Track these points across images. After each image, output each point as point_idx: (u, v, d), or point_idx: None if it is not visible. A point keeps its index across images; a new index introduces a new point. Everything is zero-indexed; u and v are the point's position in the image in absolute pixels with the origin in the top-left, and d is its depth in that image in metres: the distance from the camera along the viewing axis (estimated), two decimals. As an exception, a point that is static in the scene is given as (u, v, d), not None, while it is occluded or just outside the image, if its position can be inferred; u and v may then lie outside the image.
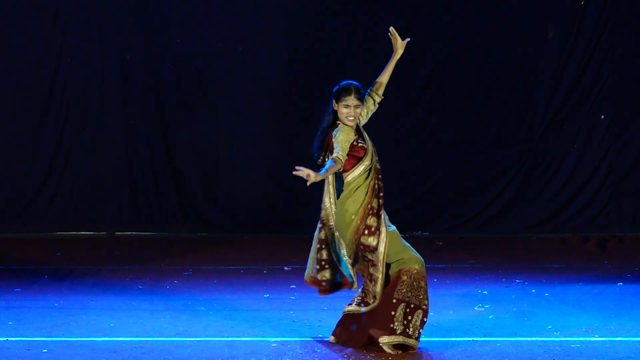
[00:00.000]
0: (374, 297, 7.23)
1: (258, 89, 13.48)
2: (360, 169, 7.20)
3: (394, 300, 7.21)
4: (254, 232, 13.37)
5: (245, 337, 7.81)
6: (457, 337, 7.77)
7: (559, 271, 10.84)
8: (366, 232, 7.21)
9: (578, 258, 11.85)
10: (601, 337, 7.75)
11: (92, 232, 13.51)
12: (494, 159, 13.52)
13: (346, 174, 7.23)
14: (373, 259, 7.22)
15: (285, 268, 11.08)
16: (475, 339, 7.71)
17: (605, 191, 13.50)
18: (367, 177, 7.23)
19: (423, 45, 13.49)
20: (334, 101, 7.34)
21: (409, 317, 7.23)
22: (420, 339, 7.54)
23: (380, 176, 7.25)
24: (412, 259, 7.24)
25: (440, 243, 12.82)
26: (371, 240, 7.20)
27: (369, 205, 7.19)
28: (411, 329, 7.22)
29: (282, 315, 8.60)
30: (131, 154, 13.56)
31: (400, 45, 7.53)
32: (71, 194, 13.54)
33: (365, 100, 7.45)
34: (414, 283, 7.24)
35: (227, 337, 7.83)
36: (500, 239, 13.08)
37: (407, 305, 7.22)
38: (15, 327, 8.19)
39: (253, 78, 13.50)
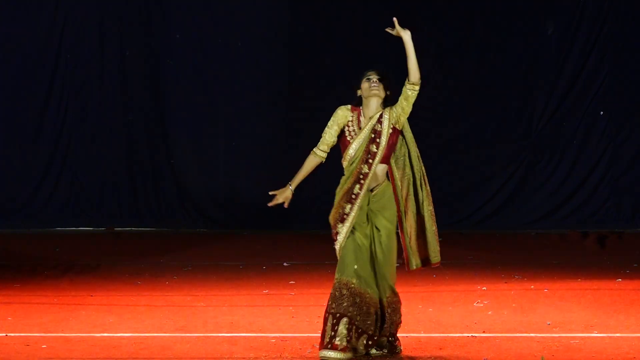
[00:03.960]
0: None
1: (258, 84, 13.48)
2: (346, 158, 7.11)
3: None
4: (253, 228, 13.37)
5: (245, 332, 7.81)
6: (456, 333, 7.77)
7: (558, 267, 10.85)
8: (340, 219, 7.08)
9: (577, 254, 11.86)
10: (600, 333, 7.75)
11: (91, 228, 13.52)
12: (493, 155, 13.54)
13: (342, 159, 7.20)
14: (335, 246, 7.13)
15: (285, 264, 11.08)
16: (474, 334, 7.71)
17: (604, 188, 13.51)
18: (351, 164, 7.12)
19: (423, 41, 13.48)
20: (358, 90, 7.26)
21: (336, 328, 6.98)
22: (419, 334, 7.58)
23: (370, 161, 7.08)
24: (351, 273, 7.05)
25: (440, 239, 12.79)
26: (339, 227, 7.08)
27: (349, 192, 7.09)
28: (337, 339, 6.95)
29: (281, 311, 8.60)
30: (130, 149, 13.57)
31: (398, 31, 7.71)
32: (70, 190, 13.55)
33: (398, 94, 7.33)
34: (335, 293, 7.02)
35: (227, 332, 7.83)
36: (500, 235, 13.08)
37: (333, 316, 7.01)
38: (15, 322, 8.19)
39: (253, 73, 13.50)
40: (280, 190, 7.19)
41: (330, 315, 6.94)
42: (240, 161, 13.56)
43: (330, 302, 6.95)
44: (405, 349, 7.28)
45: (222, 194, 13.59)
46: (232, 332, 7.83)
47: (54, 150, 13.51)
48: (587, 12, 13.37)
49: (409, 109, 7.25)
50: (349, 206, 7.10)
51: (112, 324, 8.15)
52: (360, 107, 7.22)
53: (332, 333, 6.89)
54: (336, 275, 7.03)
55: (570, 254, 11.90)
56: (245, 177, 13.52)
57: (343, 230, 7.09)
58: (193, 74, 13.55)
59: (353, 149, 7.11)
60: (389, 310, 7.08)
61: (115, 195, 13.57)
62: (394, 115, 7.20)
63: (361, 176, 7.10)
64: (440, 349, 7.30)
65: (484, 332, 7.80)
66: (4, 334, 7.75)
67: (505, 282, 9.94)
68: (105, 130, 13.54)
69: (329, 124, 7.17)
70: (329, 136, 7.18)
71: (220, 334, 7.77)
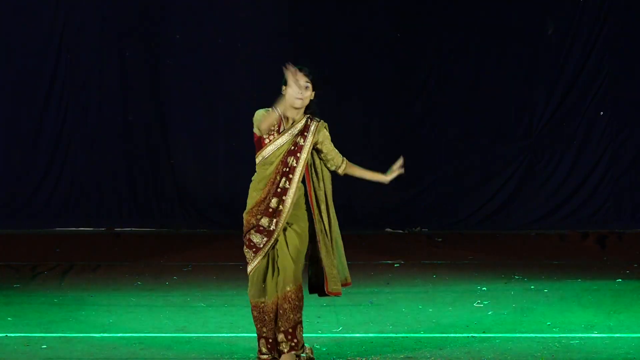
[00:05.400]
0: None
1: (257, 85, 13.46)
2: (259, 157, 6.75)
3: (290, 329, 6.79)
4: (253, 228, 13.35)
5: (245, 333, 7.80)
6: (456, 333, 7.77)
7: (558, 267, 10.84)
8: (257, 229, 6.84)
9: (577, 254, 11.85)
10: (600, 333, 7.75)
11: (91, 228, 13.50)
12: (493, 156, 13.53)
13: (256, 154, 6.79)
14: (247, 256, 6.90)
15: (285, 264, 11.07)
16: (474, 335, 7.71)
17: (604, 188, 13.50)
18: (265, 168, 6.75)
19: (423, 41, 13.49)
20: (283, 87, 6.80)
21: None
22: (419, 334, 7.61)
23: (291, 176, 6.71)
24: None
25: (440, 239, 12.82)
26: (256, 238, 6.85)
27: (264, 203, 6.78)
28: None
29: (281, 311, 8.58)
30: (130, 150, 13.56)
31: (393, 175, 7.00)
32: (70, 190, 13.54)
33: (324, 132, 6.84)
34: (253, 312, 6.81)
35: (227, 333, 7.83)
36: (500, 236, 13.08)
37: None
38: (15, 322, 8.19)
39: (253, 74, 13.49)
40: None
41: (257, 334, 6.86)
42: (240, 161, 13.54)
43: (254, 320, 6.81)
44: (405, 349, 7.28)
45: (222, 195, 13.58)
46: (232, 332, 7.84)
47: (54, 150, 13.50)
48: (587, 12, 13.37)
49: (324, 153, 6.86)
50: (266, 220, 6.78)
51: (112, 324, 8.15)
52: (280, 110, 6.71)
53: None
54: (249, 296, 6.80)
55: (570, 254, 11.89)
56: (245, 177, 13.45)
57: (264, 249, 6.80)
58: (193, 74, 13.54)
59: (268, 152, 6.72)
60: (284, 306, 6.74)
61: (115, 195, 13.56)
62: (320, 138, 6.80)
63: (279, 190, 6.73)
64: (440, 349, 7.30)
65: (484, 332, 7.80)
66: (4, 334, 7.75)
67: (505, 283, 9.94)
68: (105, 130, 13.54)
69: (261, 118, 6.64)
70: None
71: (220, 334, 7.77)
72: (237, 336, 7.71)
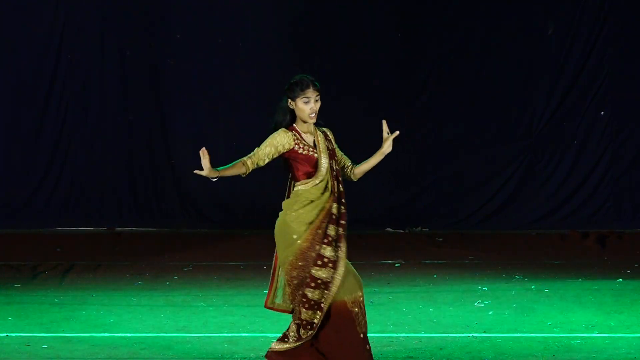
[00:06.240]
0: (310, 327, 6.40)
1: (258, 85, 13.48)
2: (315, 181, 6.48)
3: (362, 335, 6.40)
4: (254, 227, 13.36)
5: (245, 332, 7.80)
6: (457, 333, 7.77)
7: (558, 267, 10.85)
8: (319, 262, 6.36)
9: (578, 254, 11.86)
10: (601, 333, 7.75)
11: (91, 228, 13.50)
12: (493, 155, 13.53)
13: (297, 182, 6.57)
14: (315, 297, 6.36)
15: (285, 264, 11.06)
16: (474, 335, 7.71)
17: (604, 187, 13.51)
18: (323, 193, 6.46)
19: (423, 41, 13.49)
20: (288, 100, 6.60)
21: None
22: (420, 334, 7.61)
23: (343, 200, 6.44)
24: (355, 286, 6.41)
25: (440, 239, 12.82)
26: (323, 274, 6.35)
27: (319, 230, 6.40)
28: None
29: (281, 311, 8.58)
30: (131, 149, 13.56)
31: (387, 142, 6.78)
32: (70, 190, 13.54)
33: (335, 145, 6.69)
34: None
35: (227, 332, 7.83)
36: (500, 235, 13.08)
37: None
38: (15, 322, 8.19)
39: (253, 74, 13.50)
40: (209, 168, 6.76)
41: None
42: (240, 161, 13.55)
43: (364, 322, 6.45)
44: (406, 349, 7.28)
45: (222, 195, 13.58)
46: (232, 332, 7.83)
47: (54, 150, 13.50)
48: (587, 12, 13.37)
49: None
50: (333, 228, 6.39)
51: (113, 323, 8.15)
52: (294, 125, 6.60)
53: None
54: (346, 300, 6.37)
55: (570, 254, 11.89)
56: (244, 177, 13.50)
57: (341, 259, 6.35)
58: (193, 74, 13.54)
59: (324, 164, 6.49)
60: (355, 310, 6.45)
61: (115, 195, 13.56)
62: (334, 143, 6.67)
63: (337, 194, 6.42)
64: (441, 349, 7.30)
65: (484, 332, 7.80)
66: (5, 334, 7.75)
67: (506, 282, 9.94)
68: (105, 130, 13.54)
69: (266, 142, 6.60)
70: (263, 154, 6.63)
71: (220, 334, 7.77)
72: (237, 336, 7.71)
